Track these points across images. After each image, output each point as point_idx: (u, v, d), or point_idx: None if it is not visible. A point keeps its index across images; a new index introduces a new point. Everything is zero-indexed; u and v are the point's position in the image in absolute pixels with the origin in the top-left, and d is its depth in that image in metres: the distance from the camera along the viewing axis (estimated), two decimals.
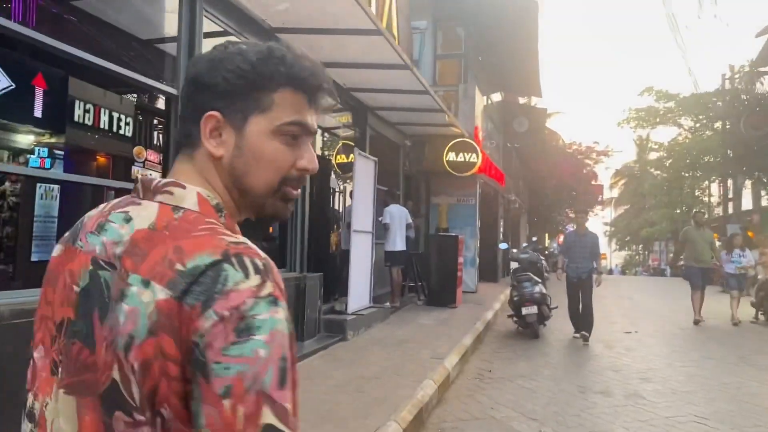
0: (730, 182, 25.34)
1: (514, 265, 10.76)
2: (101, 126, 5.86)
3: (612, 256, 70.82)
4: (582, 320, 9.30)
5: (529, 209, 29.45)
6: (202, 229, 0.84)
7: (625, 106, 56.28)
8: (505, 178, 19.48)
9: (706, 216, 12.56)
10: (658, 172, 42.15)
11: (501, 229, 20.58)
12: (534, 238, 21.21)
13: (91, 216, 0.95)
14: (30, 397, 0.92)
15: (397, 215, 9.93)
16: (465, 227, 13.75)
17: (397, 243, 9.77)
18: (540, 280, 9.93)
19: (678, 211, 38.25)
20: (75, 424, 0.83)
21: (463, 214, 13.85)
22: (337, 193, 10.32)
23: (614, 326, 11.02)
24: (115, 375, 0.79)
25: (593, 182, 33.03)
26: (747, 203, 24.89)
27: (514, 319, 9.63)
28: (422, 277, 11.52)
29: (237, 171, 0.92)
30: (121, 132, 6.11)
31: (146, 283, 0.79)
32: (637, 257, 62.67)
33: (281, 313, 0.78)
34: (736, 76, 18.64)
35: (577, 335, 9.28)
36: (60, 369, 0.87)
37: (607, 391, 6.34)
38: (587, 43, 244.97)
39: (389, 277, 10.11)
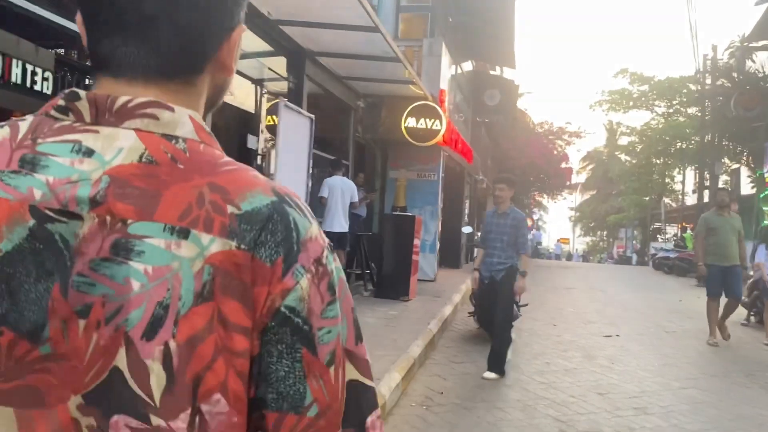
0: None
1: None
2: (12, 80, 5.05)
3: (576, 241, 70.71)
4: (491, 349, 6.10)
5: None
6: (227, 163, 0.66)
7: (599, 88, 55.29)
8: (473, 155, 17.85)
9: (730, 200, 9.16)
10: (628, 158, 41.51)
11: (466, 211, 18.98)
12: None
13: None
14: None
15: (339, 189, 8.17)
16: (425, 207, 12.06)
17: (335, 223, 8.04)
18: None
19: (647, 198, 37.53)
20: None
21: (424, 191, 12.13)
22: (258, 157, 8.40)
23: (591, 327, 9.49)
24: (120, 364, 0.58)
25: (564, 164, 31.66)
26: None
27: (476, 318, 7.99)
28: (371, 263, 9.82)
29: (222, 89, 0.77)
30: (37, 88, 5.34)
31: (181, 233, 0.60)
32: (601, 243, 62.33)
33: (338, 260, 0.68)
34: (727, 51, 17.27)
35: (492, 376, 5.91)
36: None
37: (595, 430, 4.75)
38: (561, 20, 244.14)
39: None
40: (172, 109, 0.65)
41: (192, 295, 0.59)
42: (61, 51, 6.02)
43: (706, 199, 24.71)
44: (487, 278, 6.40)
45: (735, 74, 16.76)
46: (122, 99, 0.64)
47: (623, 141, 44.27)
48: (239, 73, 8.10)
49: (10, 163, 0.63)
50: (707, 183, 25.01)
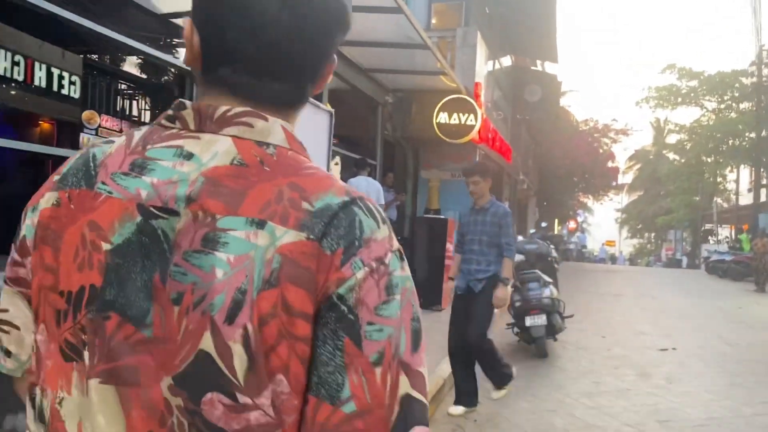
0: None
1: (518, 258, 7.49)
2: (35, 83, 4.73)
3: (622, 243, 68.65)
4: (460, 380, 4.86)
5: (538, 192, 26.93)
6: (310, 167, 0.71)
7: (645, 84, 53.46)
8: (513, 154, 17.04)
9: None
10: (676, 157, 39.87)
11: None
12: (543, 224, 18.60)
13: (108, 153, 0.74)
14: (37, 392, 0.72)
15: (364, 190, 7.53)
16: (460, 209, 11.38)
17: None
18: (551, 280, 7.53)
19: (697, 198, 35.86)
20: (121, 422, 0.65)
21: (459, 192, 11.41)
22: None
23: (644, 339, 8.63)
24: (206, 346, 0.63)
25: (610, 163, 30.32)
26: None
27: (515, 330, 7.25)
28: None
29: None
30: (64, 92, 5.05)
31: (259, 224, 0.65)
32: (649, 246, 60.23)
33: (407, 270, 0.70)
34: None
35: (458, 411, 4.77)
36: (86, 353, 0.68)
37: None
38: (607, 12, 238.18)
39: None
40: (266, 119, 0.72)
41: (261, 280, 0.62)
42: (93, 56, 5.91)
43: (763, 198, 23.32)
44: (463, 290, 4.85)
45: None
46: (222, 108, 0.71)
47: (671, 139, 42.67)
48: None
49: (122, 166, 0.71)
50: (764, 181, 23.61)
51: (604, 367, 6.75)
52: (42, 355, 0.72)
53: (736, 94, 31.38)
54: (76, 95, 5.16)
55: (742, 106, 31.43)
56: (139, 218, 0.67)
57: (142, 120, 6.59)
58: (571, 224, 42.11)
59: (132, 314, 0.66)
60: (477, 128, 9.71)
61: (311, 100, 6.34)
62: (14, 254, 0.78)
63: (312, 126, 6.13)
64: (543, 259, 8.86)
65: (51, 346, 0.71)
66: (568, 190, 26.92)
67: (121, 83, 6.50)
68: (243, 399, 0.62)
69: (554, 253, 10.39)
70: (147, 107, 6.95)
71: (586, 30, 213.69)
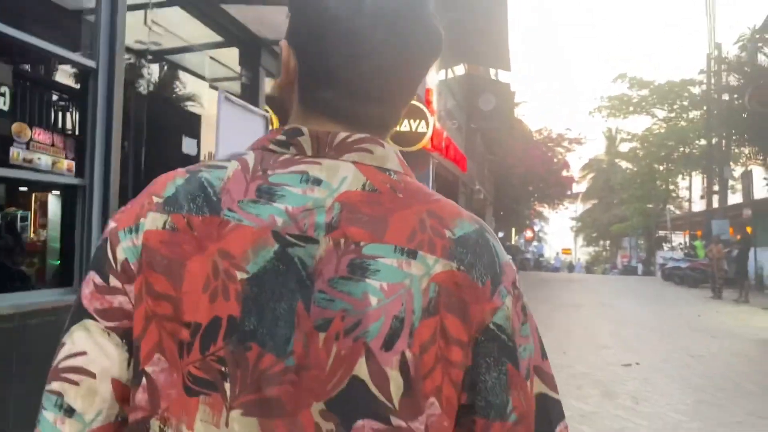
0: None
1: None
2: None
3: (578, 251, 69.52)
4: None
5: (494, 201, 26.76)
6: (433, 193, 0.74)
7: (598, 94, 54.47)
8: (468, 163, 16.69)
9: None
10: (629, 165, 40.44)
11: None
12: (500, 234, 18.26)
13: (226, 179, 0.71)
14: (153, 425, 0.67)
15: None
16: None
17: None
18: None
19: (650, 205, 36.34)
20: None
21: None
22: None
23: (606, 354, 8.25)
24: (360, 372, 0.64)
25: (565, 172, 30.39)
26: (736, 196, 22.52)
27: None
28: None
29: None
30: None
31: (410, 253, 0.66)
32: (604, 253, 61.08)
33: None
34: (737, 45, 16.08)
35: None
36: (227, 384, 0.66)
37: None
38: (559, 22, 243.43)
39: None
40: (383, 145, 0.73)
41: (421, 309, 0.64)
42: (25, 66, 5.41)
43: (715, 204, 23.56)
44: None
45: (747, 69, 15.58)
46: (342, 135, 0.71)
47: (624, 148, 43.28)
48: (183, 68, 6.93)
49: (247, 193, 0.69)
50: (716, 188, 23.87)
51: (566, 387, 6.28)
52: (160, 385, 0.67)
53: (685, 103, 32.05)
54: (6, 107, 4.69)
55: (691, 114, 32.11)
56: (275, 246, 0.67)
57: (76, 133, 5.91)
58: (528, 233, 42.22)
59: (273, 344, 0.65)
60: (429, 135, 9.24)
61: (246, 104, 5.79)
62: (101, 281, 0.70)
63: (242, 130, 5.56)
64: None
65: (173, 377, 0.67)
66: (524, 199, 26.78)
67: (55, 94, 6.01)
68: (397, 422, 0.64)
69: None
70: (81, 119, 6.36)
71: (540, 40, 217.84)
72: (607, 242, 58.27)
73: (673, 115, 32.37)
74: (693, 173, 31.61)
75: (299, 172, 0.69)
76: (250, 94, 6.49)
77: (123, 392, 0.68)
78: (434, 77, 11.48)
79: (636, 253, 44.80)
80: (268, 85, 6.71)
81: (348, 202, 0.67)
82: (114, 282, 0.69)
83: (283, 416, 0.64)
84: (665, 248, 34.20)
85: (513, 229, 33.92)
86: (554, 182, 26.06)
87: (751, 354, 8.69)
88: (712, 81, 22.46)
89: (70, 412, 0.67)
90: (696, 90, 30.95)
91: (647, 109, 33.02)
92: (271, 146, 0.71)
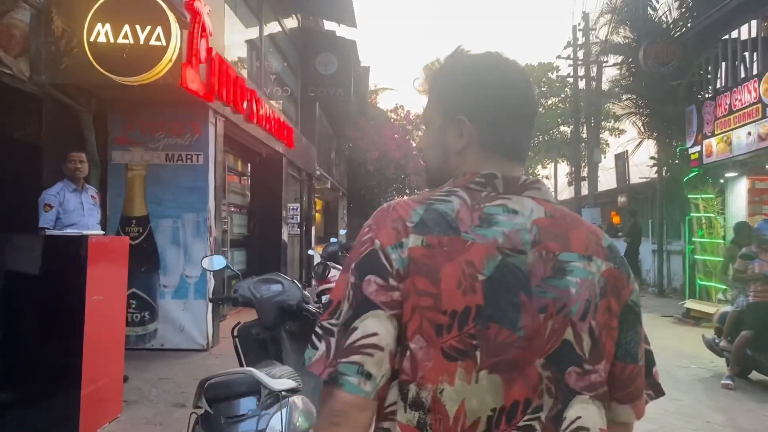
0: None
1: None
2: None
3: None
4: None
5: (348, 192, 23.11)
6: (579, 216, 1.15)
7: None
8: (303, 141, 12.85)
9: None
10: None
11: (298, 221, 13.86)
12: (342, 231, 14.43)
13: (457, 210, 1.05)
14: (411, 388, 0.99)
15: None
16: (184, 214, 6.78)
17: None
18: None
19: None
20: (500, 395, 0.98)
21: (180, 186, 6.83)
22: None
23: None
24: (568, 336, 1.01)
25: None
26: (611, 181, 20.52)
27: None
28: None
29: None
30: None
31: (588, 258, 1.05)
32: None
33: None
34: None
35: None
36: (478, 353, 0.97)
37: None
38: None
39: None
40: (544, 185, 1.14)
41: (598, 294, 1.04)
42: None
43: (584, 192, 21.64)
44: None
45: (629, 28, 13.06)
46: (522, 178, 1.11)
47: None
48: None
49: (473, 220, 1.04)
50: (584, 174, 21.94)
51: None
52: (419, 358, 0.97)
53: (544, 89, 30.57)
54: None
55: (549, 101, 30.72)
56: (499, 257, 1.00)
57: None
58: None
59: (506, 323, 0.97)
60: (173, 53, 5.14)
61: None
62: (383, 281, 1.00)
63: None
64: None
65: (431, 351, 0.97)
66: (381, 188, 23.35)
67: None
68: (587, 367, 1.01)
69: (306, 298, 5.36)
70: None
71: (396, 16, 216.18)
72: None
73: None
74: (558, 160, 30.13)
75: (501, 205, 1.06)
76: None
77: (393, 360, 0.99)
78: None
79: None
80: None
81: (541, 225, 1.05)
82: (392, 282, 0.99)
83: (517, 370, 0.97)
84: None
85: None
86: (413, 170, 22.84)
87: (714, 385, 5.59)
88: (580, 54, 20.31)
89: (368, 376, 0.97)
90: (554, 76, 29.67)
91: None
92: (472, 186, 1.09)
